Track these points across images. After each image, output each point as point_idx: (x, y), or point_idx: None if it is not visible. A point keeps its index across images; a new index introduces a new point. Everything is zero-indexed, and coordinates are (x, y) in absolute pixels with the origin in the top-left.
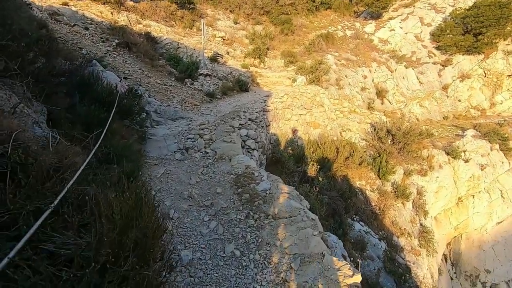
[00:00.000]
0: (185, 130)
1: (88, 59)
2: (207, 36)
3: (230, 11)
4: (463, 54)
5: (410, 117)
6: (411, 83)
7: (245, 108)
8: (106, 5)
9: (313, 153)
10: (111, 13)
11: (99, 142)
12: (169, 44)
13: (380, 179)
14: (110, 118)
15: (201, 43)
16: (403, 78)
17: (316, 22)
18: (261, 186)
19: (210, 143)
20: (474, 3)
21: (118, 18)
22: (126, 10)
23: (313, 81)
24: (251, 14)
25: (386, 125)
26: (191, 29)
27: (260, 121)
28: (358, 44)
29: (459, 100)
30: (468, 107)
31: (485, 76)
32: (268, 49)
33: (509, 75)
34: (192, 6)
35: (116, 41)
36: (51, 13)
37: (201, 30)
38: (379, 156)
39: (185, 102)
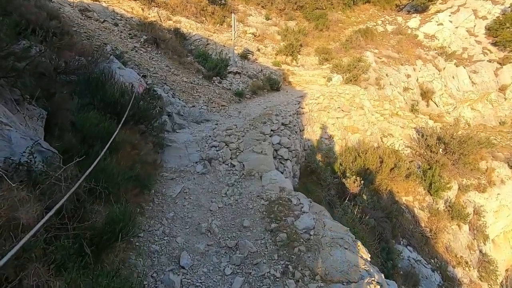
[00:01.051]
0: (210, 136)
1: (106, 55)
2: (237, 32)
3: (262, 6)
4: None
5: (460, 121)
6: (462, 84)
7: (277, 110)
8: (137, 1)
9: (352, 162)
10: (142, 9)
11: (86, 173)
12: (198, 40)
13: (430, 195)
14: (118, 129)
15: (231, 39)
16: (453, 77)
17: (353, 17)
18: (303, 223)
19: (237, 154)
20: None
21: (149, 14)
22: (156, 6)
23: (351, 80)
24: (284, 9)
25: (436, 131)
26: (221, 25)
27: (294, 126)
28: (400, 40)
29: None
30: None
31: None
32: (301, 45)
33: None
34: (223, 1)
35: (144, 37)
36: (82, 9)
37: (231, 26)
38: (430, 169)
39: (212, 102)
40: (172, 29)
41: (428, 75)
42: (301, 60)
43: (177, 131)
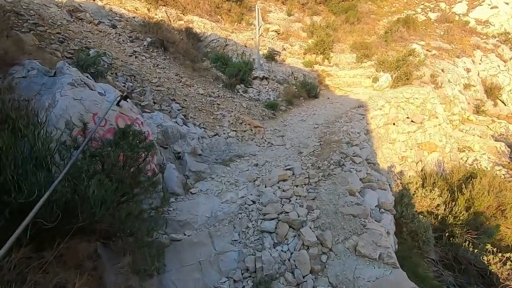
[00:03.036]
0: (249, 201)
1: (50, 63)
2: (262, 28)
3: (282, 2)
4: None
5: None
6: None
7: (342, 132)
8: (142, 0)
9: (449, 206)
10: (148, 9)
11: None
12: (215, 41)
13: None
14: None
15: (252, 39)
16: None
17: (386, 7)
18: None
19: (321, 257)
20: None
21: (155, 14)
22: (164, 5)
23: (401, 79)
24: (307, 3)
25: None
26: (239, 23)
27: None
28: (449, 28)
29: None
30: None
31: None
32: (332, 42)
33: None
34: None
35: (149, 39)
36: (71, 10)
37: (251, 24)
38: None
39: (241, 123)
40: (183, 29)
41: (492, 67)
42: (335, 58)
43: (192, 189)
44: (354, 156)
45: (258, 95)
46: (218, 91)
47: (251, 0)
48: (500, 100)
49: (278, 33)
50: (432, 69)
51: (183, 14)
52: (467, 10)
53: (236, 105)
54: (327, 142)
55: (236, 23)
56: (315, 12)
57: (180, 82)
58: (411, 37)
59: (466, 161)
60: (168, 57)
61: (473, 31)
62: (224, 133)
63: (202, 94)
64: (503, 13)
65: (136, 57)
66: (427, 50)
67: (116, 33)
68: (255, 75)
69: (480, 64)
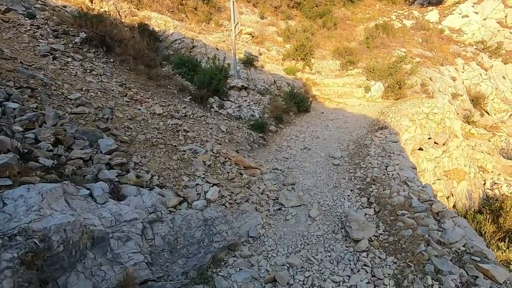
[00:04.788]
0: None
1: None
2: (238, 27)
3: (254, 4)
4: None
5: None
6: None
7: (368, 167)
8: None
9: None
10: (91, 0)
11: None
12: (178, 41)
13: None
14: None
15: (224, 41)
16: (503, 78)
17: (359, 13)
18: None
19: None
20: None
21: (101, 7)
22: None
23: (394, 88)
24: (280, 6)
25: None
26: (207, 24)
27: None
28: (427, 36)
29: None
30: None
31: None
32: (313, 46)
33: None
34: None
35: (83, 35)
36: None
37: (221, 25)
38: None
39: (223, 163)
40: (136, 25)
41: (474, 76)
42: (317, 65)
43: None
44: (445, 246)
45: (239, 111)
46: (185, 108)
47: (220, 2)
48: (485, 110)
49: (253, 36)
50: (421, 78)
51: (138, 9)
52: (439, 18)
53: (211, 129)
54: (382, 204)
55: (204, 23)
56: (289, 16)
57: (125, 96)
58: (392, 43)
59: (484, 184)
60: (111, 60)
61: (450, 39)
62: (198, 196)
63: (159, 114)
64: (474, 22)
65: (54, 58)
66: (411, 58)
67: (32, 24)
68: (232, 84)
69: (463, 72)
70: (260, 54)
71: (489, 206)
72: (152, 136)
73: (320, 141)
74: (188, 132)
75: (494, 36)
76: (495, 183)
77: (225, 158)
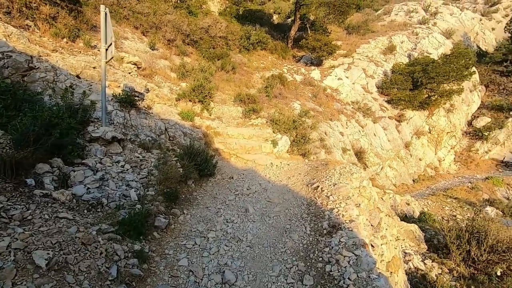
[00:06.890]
0: None
1: None
2: (113, 51)
3: (143, 32)
4: (412, 110)
5: (385, 183)
6: (383, 141)
7: None
8: None
9: None
10: None
11: None
12: (5, 57)
13: None
14: None
15: (94, 67)
16: (374, 135)
17: (255, 61)
18: None
19: None
20: (415, 59)
21: None
22: None
23: (300, 143)
24: (174, 40)
25: (455, 225)
26: (72, 42)
27: None
28: (315, 91)
29: (420, 159)
30: (424, 166)
31: (429, 133)
32: (212, 88)
33: (448, 132)
34: (77, 7)
35: None
36: None
37: (94, 47)
38: None
39: None
40: None
41: (355, 132)
42: (216, 110)
43: None
44: None
45: (100, 188)
46: None
47: (95, 19)
48: (365, 164)
49: (139, 67)
50: (318, 132)
51: None
52: (321, 77)
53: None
54: None
55: (65, 40)
56: (184, 52)
57: None
58: (288, 95)
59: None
60: None
61: (333, 97)
62: None
63: None
64: (346, 84)
65: None
66: (307, 111)
67: None
68: (95, 135)
69: (347, 128)
70: (148, 90)
71: None
72: None
73: (246, 254)
74: None
75: (362, 99)
76: (407, 254)
77: None
